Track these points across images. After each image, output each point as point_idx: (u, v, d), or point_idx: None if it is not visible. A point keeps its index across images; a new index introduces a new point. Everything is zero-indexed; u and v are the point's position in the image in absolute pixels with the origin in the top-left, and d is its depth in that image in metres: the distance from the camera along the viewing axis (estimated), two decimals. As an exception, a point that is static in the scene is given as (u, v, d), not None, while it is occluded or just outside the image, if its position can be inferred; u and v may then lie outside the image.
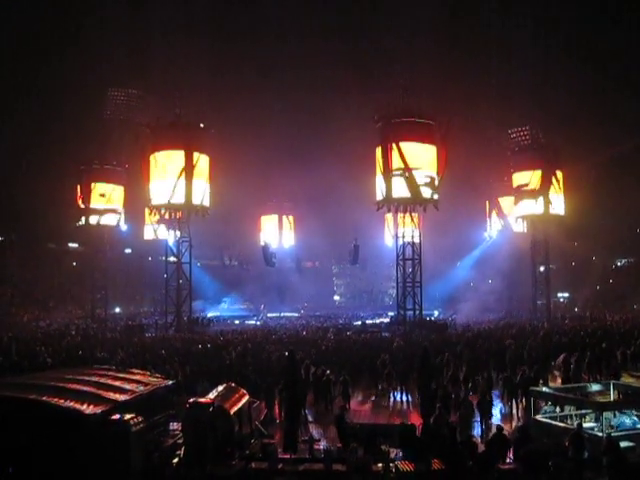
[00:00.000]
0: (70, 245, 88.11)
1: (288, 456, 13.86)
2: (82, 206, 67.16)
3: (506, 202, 73.87)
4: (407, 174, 52.55)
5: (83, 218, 67.50)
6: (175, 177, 54.72)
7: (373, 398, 26.53)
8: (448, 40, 69.55)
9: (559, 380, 26.69)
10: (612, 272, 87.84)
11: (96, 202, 67.23)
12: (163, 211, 57.32)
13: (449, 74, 67.58)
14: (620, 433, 15.63)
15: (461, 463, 12.85)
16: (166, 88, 58.78)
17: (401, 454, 13.62)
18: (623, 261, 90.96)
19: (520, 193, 65.51)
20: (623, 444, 14.56)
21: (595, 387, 19.91)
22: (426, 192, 53.38)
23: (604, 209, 75.89)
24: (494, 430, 16.59)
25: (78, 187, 67.35)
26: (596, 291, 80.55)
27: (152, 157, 55.50)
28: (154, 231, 65.77)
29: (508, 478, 12.74)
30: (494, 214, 78.68)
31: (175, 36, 59.10)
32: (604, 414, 15.92)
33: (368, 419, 21.66)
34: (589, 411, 16.60)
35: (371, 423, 19.25)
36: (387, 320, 61.10)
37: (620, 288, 79.06)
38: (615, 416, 16.54)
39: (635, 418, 16.39)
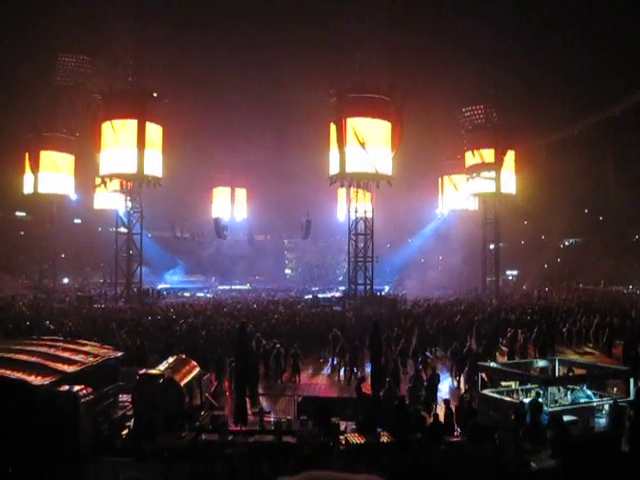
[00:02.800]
0: (17, 214, 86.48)
1: (238, 428, 13.90)
2: (30, 174, 65.82)
3: (458, 180, 74.56)
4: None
5: (31, 186, 66.07)
6: (127, 146, 53.94)
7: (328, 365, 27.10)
8: (404, 17, 69.45)
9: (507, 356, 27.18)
10: (560, 251, 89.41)
11: (45, 170, 65.80)
12: (110, 180, 56.67)
13: (405, 50, 67.47)
14: (564, 407, 16.01)
15: (410, 436, 13.04)
16: (119, 55, 57.66)
17: (351, 427, 13.75)
18: (571, 241, 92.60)
19: (474, 168, 66.04)
20: (566, 418, 14.94)
21: (541, 363, 20.32)
22: (379, 168, 53.54)
23: (553, 189, 77.07)
24: (441, 404, 16.91)
25: (26, 155, 65.91)
26: (544, 269, 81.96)
27: (103, 125, 54.59)
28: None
29: (455, 450, 12.97)
30: (447, 191, 79.24)
31: (130, 2, 57.75)
32: (548, 389, 16.27)
33: (319, 393, 21.81)
34: (534, 386, 16.94)
35: (322, 396, 19.39)
36: (338, 294, 61.45)
37: (567, 267, 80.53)
38: (559, 390, 16.93)
39: (589, 392, 16.79)
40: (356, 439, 12.90)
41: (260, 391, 21.37)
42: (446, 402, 15.91)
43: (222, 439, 12.64)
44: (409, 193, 72.21)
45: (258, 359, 23.84)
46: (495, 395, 17.24)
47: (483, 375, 18.47)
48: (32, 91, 65.85)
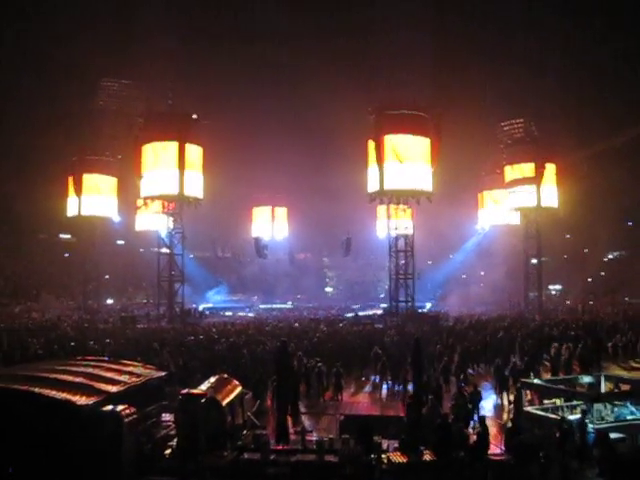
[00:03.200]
0: (61, 236, 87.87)
1: (280, 447, 13.89)
2: (74, 197, 66.91)
3: (498, 195, 73.70)
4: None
5: (75, 209, 67.16)
6: (167, 168, 54.60)
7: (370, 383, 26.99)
8: (442, 32, 69.43)
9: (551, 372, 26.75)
10: (604, 265, 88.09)
11: (88, 193, 66.87)
12: (152, 202, 57.42)
13: (443, 66, 67.59)
14: (610, 425, 15.70)
15: (452, 454, 12.91)
16: (159, 78, 58.65)
17: (394, 445, 13.66)
18: (615, 254, 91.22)
19: (514, 182, 65.43)
20: (613, 435, 14.64)
21: (586, 379, 19.96)
22: (419, 184, 53.42)
23: (596, 202, 76.02)
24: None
25: (70, 178, 67.05)
26: (588, 284, 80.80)
27: (144, 148, 55.35)
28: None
29: (499, 469, 12.81)
30: (488, 205, 78.49)
31: (168, 26, 58.81)
32: (594, 406, 15.97)
33: (361, 411, 21.71)
34: (580, 403, 16.65)
35: (364, 415, 19.30)
36: (380, 312, 61.15)
37: (611, 281, 79.33)
38: (606, 407, 16.60)
39: (633, 409, 16.44)
40: (398, 458, 12.82)
41: (302, 410, 21.33)
42: (481, 419, 15.65)
43: (264, 458, 12.65)
44: (449, 209, 71.74)
45: (300, 378, 23.80)
46: (539, 412, 16.97)
47: (527, 392, 18.22)
48: (75, 115, 67.23)
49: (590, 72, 78.04)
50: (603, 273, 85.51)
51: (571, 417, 15.82)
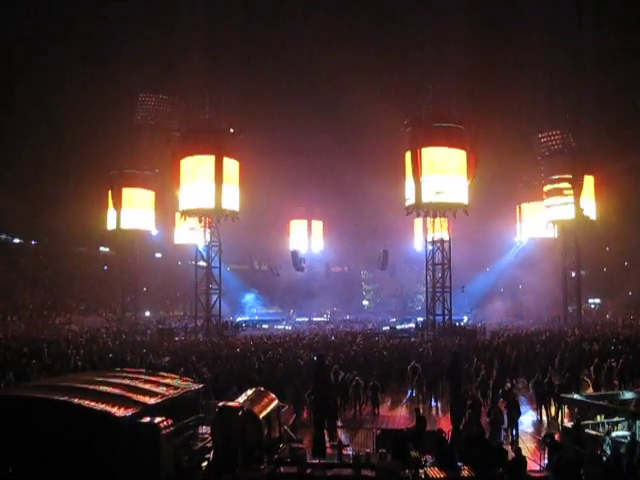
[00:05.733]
0: (101, 249, 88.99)
1: (317, 461, 13.82)
2: (113, 210, 67.82)
3: (536, 207, 72.99)
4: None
5: (114, 222, 68.04)
6: (205, 182, 55.06)
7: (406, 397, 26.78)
8: (478, 43, 69.00)
9: (591, 388, 26.31)
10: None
11: (127, 206, 67.76)
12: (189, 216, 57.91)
13: (479, 78, 67.20)
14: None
15: (491, 470, 12.73)
16: (196, 93, 59.18)
17: (431, 460, 13.52)
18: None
19: (552, 193, 64.91)
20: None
21: (628, 394, 19.59)
22: (456, 197, 53.17)
23: (635, 214, 74.88)
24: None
25: (109, 192, 67.97)
26: (628, 297, 79.42)
27: (182, 162, 55.92)
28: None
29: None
30: (525, 218, 77.78)
31: (204, 41, 59.35)
32: (637, 422, 15.64)
33: (398, 425, 21.56)
34: (622, 419, 16.32)
35: (400, 429, 19.14)
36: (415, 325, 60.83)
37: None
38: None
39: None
40: (436, 473, 12.68)
41: (339, 423, 21.24)
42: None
43: (300, 472, 12.58)
44: (487, 222, 71.31)
45: (336, 391, 23.70)
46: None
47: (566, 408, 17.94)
48: (114, 130, 68.25)
49: (628, 82, 76.87)
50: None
51: (614, 434, 15.52)
